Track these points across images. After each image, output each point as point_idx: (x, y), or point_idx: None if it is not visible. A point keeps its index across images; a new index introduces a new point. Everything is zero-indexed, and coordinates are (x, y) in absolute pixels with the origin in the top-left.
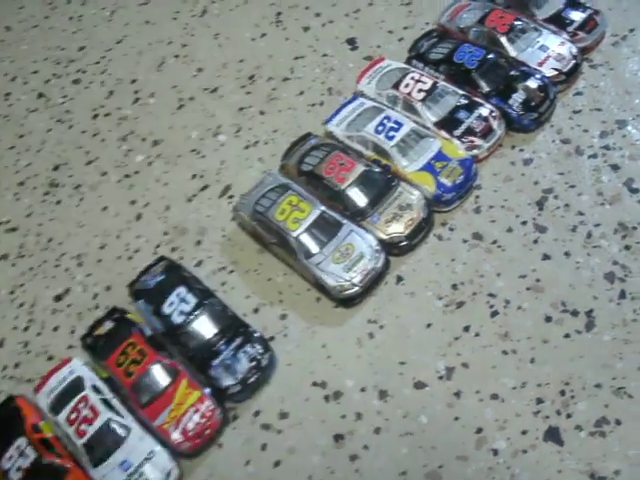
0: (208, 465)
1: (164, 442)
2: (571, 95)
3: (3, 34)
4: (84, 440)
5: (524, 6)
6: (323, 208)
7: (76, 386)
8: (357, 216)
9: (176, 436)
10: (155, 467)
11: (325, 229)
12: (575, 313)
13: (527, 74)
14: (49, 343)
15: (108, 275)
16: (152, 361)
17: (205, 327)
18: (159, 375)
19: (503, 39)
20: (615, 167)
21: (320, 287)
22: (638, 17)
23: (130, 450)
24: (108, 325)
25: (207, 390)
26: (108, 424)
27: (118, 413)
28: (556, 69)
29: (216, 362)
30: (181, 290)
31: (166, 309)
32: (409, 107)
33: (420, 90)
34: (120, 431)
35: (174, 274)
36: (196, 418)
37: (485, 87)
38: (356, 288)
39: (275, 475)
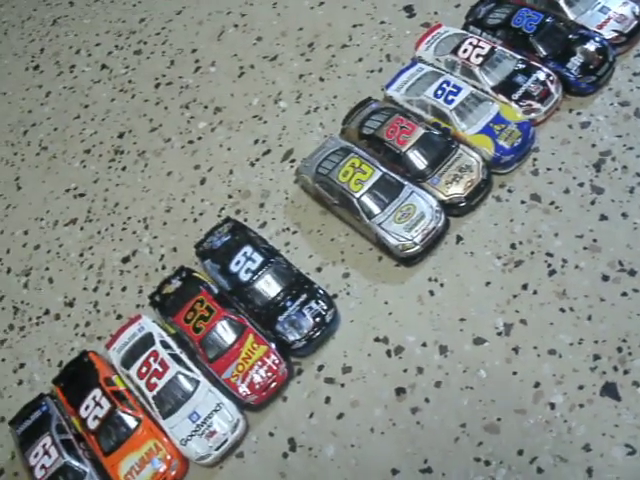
0: (273, 417)
1: (231, 395)
2: (632, 57)
3: (67, 9)
4: (154, 393)
5: None
6: (385, 170)
7: (146, 342)
8: (417, 178)
9: (243, 389)
10: (223, 419)
11: (387, 190)
12: (632, 272)
13: (586, 37)
14: (117, 303)
15: (174, 237)
16: (220, 317)
17: (271, 284)
18: (226, 330)
19: (562, 2)
20: None
21: (382, 246)
22: None
23: (198, 402)
24: (176, 283)
25: (273, 345)
26: (177, 377)
27: (187, 367)
28: (616, 31)
29: (282, 318)
30: (247, 249)
31: (233, 267)
32: (467, 72)
33: (478, 55)
34: (189, 384)
35: (240, 234)
36: (262, 372)
37: (543, 51)
38: (417, 247)
39: (338, 427)
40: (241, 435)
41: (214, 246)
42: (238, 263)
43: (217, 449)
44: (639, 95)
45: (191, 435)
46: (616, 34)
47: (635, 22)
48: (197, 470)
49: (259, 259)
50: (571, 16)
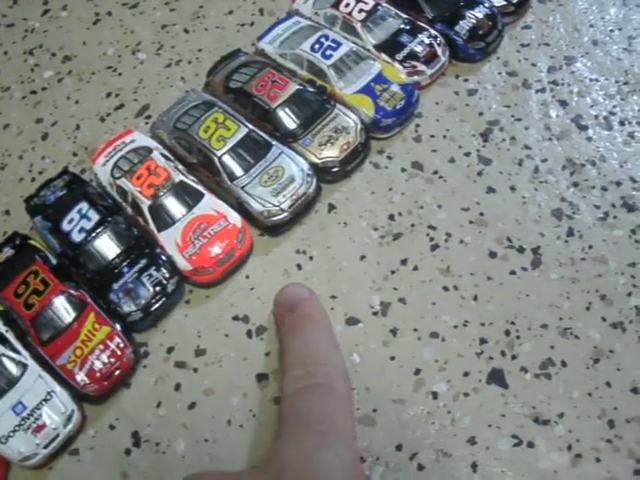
0: (115, 407)
1: (67, 383)
2: (519, 28)
3: None
4: None
5: None
6: (251, 127)
7: None
8: (288, 137)
9: (81, 377)
10: (54, 410)
11: (253, 150)
12: (521, 250)
13: (475, 2)
14: None
15: (7, 198)
16: (56, 292)
17: (107, 247)
18: (64, 307)
19: None
20: (563, 103)
21: (245, 212)
22: None
23: (25, 391)
24: (7, 252)
25: (118, 325)
26: (0, 360)
27: (13, 348)
28: None
29: (117, 286)
30: (83, 205)
31: (65, 226)
32: (348, 28)
33: (361, 10)
34: (14, 369)
35: (78, 189)
36: (104, 357)
37: (430, 12)
38: (285, 214)
39: (189, 418)
40: (76, 429)
41: (47, 201)
42: (71, 221)
43: (46, 447)
44: (527, 67)
45: (14, 430)
46: (505, 2)
47: None
48: (20, 472)
49: (95, 217)
50: None
